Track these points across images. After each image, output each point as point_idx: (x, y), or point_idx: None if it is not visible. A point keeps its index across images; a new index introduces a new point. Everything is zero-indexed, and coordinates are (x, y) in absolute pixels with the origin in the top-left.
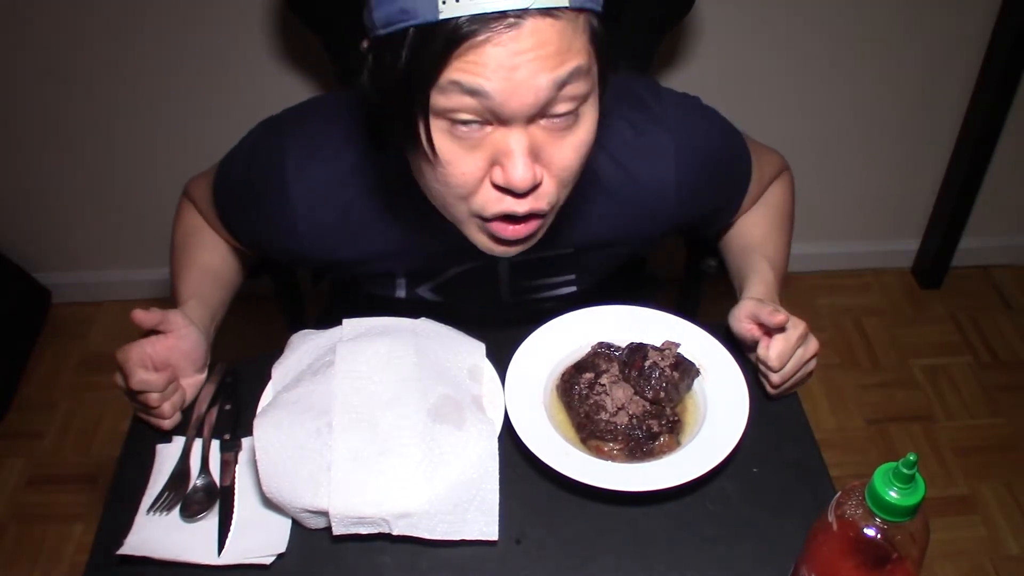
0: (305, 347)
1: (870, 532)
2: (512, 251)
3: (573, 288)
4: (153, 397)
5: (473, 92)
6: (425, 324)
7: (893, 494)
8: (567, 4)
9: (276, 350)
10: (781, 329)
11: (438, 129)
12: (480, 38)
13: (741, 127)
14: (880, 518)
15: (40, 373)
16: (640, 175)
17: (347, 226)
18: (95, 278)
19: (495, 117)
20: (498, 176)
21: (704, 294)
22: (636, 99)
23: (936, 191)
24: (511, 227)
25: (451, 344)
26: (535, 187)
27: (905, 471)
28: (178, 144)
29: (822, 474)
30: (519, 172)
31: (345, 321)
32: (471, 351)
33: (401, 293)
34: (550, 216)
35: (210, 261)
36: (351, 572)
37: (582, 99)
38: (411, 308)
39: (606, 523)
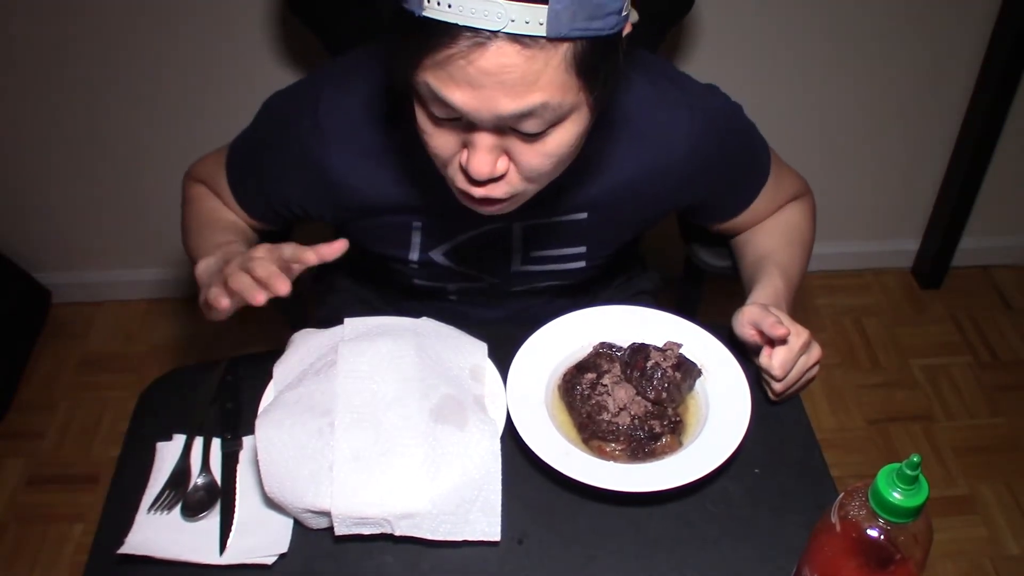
0: (307, 346)
1: (873, 533)
2: (491, 210)
3: (582, 263)
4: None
5: (440, 99)
6: (427, 324)
7: (897, 495)
8: (543, 33)
9: (277, 349)
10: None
11: (420, 102)
12: (450, 50)
13: None
14: (883, 519)
15: (40, 373)
16: (657, 118)
17: (375, 167)
18: (95, 278)
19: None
20: (463, 158)
21: (704, 294)
22: (658, 68)
23: (936, 191)
24: (472, 189)
25: (453, 344)
26: (498, 177)
27: (909, 472)
28: (178, 144)
29: (824, 475)
30: (477, 165)
31: (347, 320)
32: (473, 351)
33: (415, 255)
34: (523, 192)
35: (236, 223)
36: (353, 572)
37: (554, 122)
38: (422, 272)
39: (608, 523)
